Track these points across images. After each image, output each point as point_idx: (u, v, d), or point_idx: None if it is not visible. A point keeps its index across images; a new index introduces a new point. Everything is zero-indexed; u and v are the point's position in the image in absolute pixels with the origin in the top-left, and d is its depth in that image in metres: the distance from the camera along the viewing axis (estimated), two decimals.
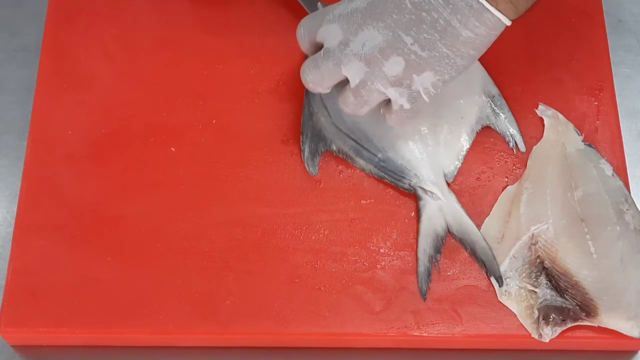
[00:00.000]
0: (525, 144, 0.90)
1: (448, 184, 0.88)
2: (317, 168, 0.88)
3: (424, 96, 0.80)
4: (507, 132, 0.90)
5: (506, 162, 0.90)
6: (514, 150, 0.90)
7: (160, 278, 0.84)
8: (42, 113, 0.90)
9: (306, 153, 0.88)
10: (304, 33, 0.84)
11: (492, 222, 0.87)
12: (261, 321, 0.83)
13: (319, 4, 0.91)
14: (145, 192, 0.87)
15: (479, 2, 0.77)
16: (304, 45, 0.85)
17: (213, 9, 0.95)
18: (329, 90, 0.84)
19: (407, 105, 0.81)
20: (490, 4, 0.77)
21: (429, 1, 0.77)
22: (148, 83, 0.92)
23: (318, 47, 0.83)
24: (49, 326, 0.83)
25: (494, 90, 0.91)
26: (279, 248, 0.86)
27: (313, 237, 0.86)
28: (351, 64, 0.80)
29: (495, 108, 0.90)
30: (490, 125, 0.90)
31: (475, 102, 0.90)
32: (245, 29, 0.94)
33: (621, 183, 0.88)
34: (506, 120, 0.90)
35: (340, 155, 0.88)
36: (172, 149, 0.89)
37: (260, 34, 0.94)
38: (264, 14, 0.94)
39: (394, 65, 0.79)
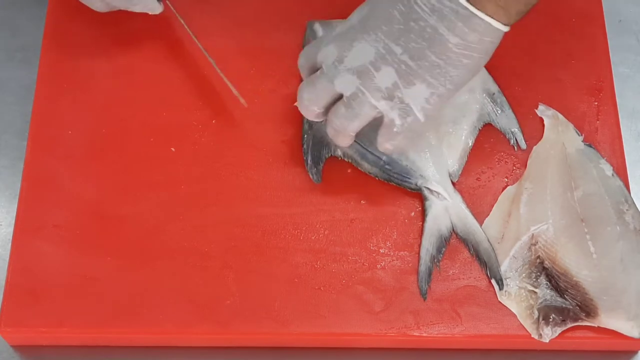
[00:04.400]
0: (525, 143, 0.90)
1: (453, 184, 0.88)
2: (320, 176, 0.88)
3: (417, 113, 0.79)
4: (508, 129, 0.90)
5: (506, 162, 0.90)
6: (515, 147, 0.90)
7: (160, 278, 0.84)
8: (42, 113, 0.90)
9: (309, 162, 0.88)
10: (304, 62, 0.83)
11: (492, 222, 0.87)
12: (261, 321, 0.83)
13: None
14: (145, 192, 0.87)
15: (465, 8, 0.76)
16: (305, 74, 0.84)
17: (213, 9, 0.95)
18: (322, 110, 0.83)
19: (398, 121, 0.80)
20: (477, 9, 0.76)
21: (416, 10, 0.77)
22: (148, 83, 0.92)
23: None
24: (49, 326, 0.83)
25: (494, 88, 0.91)
26: (279, 248, 0.86)
27: (313, 237, 0.86)
28: (343, 78, 0.80)
29: (495, 105, 0.91)
30: (492, 122, 0.90)
31: (476, 99, 0.90)
32: (245, 29, 0.94)
33: (621, 183, 0.88)
34: (507, 117, 0.91)
35: (346, 160, 0.88)
36: (172, 149, 0.89)
37: (260, 34, 0.94)
38: (264, 13, 0.94)
39: (385, 76, 0.78)
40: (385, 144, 0.82)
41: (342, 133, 0.82)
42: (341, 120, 0.81)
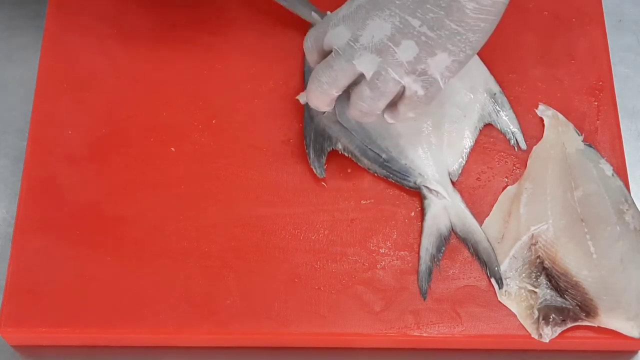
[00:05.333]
0: (526, 143, 0.90)
1: (452, 183, 0.88)
2: (324, 169, 0.88)
3: (440, 82, 0.79)
4: (509, 130, 0.90)
5: (506, 162, 0.90)
6: (515, 148, 0.90)
7: (160, 278, 0.84)
8: (42, 113, 0.90)
9: (311, 155, 0.88)
10: (311, 45, 0.82)
11: (492, 222, 0.87)
12: (261, 321, 0.83)
13: (313, 14, 0.90)
14: (145, 192, 0.87)
15: None
16: (313, 57, 0.83)
17: (213, 9, 0.95)
18: (339, 94, 0.82)
19: (421, 92, 0.79)
20: None
21: None
22: (148, 83, 0.92)
23: (327, 56, 0.82)
24: (49, 326, 0.83)
25: (496, 88, 0.91)
26: (279, 248, 0.86)
27: (313, 237, 0.86)
28: (363, 57, 0.79)
29: (496, 106, 0.91)
30: (492, 122, 0.90)
31: (477, 99, 0.90)
32: (245, 29, 0.94)
33: (621, 183, 0.88)
34: (507, 118, 0.90)
35: (346, 154, 0.88)
36: (172, 149, 0.89)
37: (260, 34, 0.94)
38: (264, 13, 0.94)
39: (407, 50, 0.78)
40: (409, 113, 0.82)
41: (370, 114, 0.82)
42: (368, 102, 0.80)
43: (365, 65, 0.79)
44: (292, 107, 0.90)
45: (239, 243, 0.86)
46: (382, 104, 0.81)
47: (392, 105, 0.82)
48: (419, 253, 0.85)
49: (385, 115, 0.83)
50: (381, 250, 0.86)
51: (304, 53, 0.86)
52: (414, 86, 0.79)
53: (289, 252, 0.85)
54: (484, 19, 0.77)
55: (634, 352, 0.86)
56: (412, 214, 0.87)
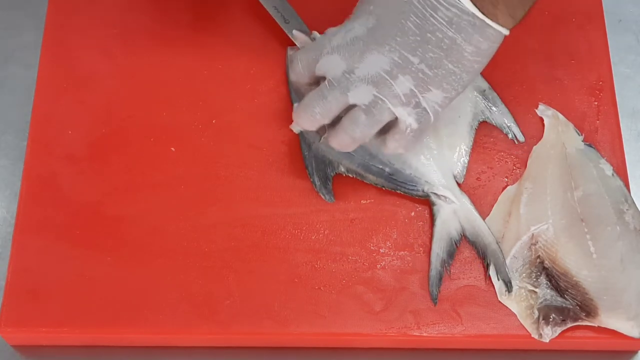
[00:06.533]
0: (523, 136, 0.90)
1: (459, 185, 0.88)
2: (332, 195, 0.87)
3: (431, 115, 0.80)
4: (504, 124, 0.90)
5: (506, 162, 0.90)
6: (515, 141, 0.90)
7: (160, 278, 0.84)
8: (42, 113, 0.90)
9: (317, 183, 0.87)
10: (302, 69, 0.83)
11: (492, 222, 0.87)
12: (261, 321, 0.83)
13: (294, 31, 0.91)
14: (145, 192, 0.87)
15: (481, 20, 0.77)
16: (303, 80, 0.84)
17: (213, 9, 0.95)
18: (330, 122, 0.82)
19: (415, 125, 0.81)
20: (492, 20, 0.78)
21: (432, 22, 0.78)
22: (148, 83, 0.92)
23: (317, 81, 0.83)
24: (49, 326, 0.83)
25: (484, 85, 0.91)
26: (279, 248, 0.86)
27: (313, 237, 0.86)
28: (358, 89, 0.80)
29: (488, 102, 0.91)
30: (486, 119, 0.90)
31: (468, 98, 0.90)
32: (245, 29, 0.94)
33: (621, 183, 0.88)
34: (500, 112, 0.91)
35: (351, 175, 0.88)
36: (172, 149, 0.89)
37: (260, 34, 0.94)
38: (264, 14, 0.94)
39: (403, 84, 0.79)
40: (400, 149, 0.83)
41: (357, 142, 0.82)
42: (362, 128, 0.81)
43: (361, 96, 0.80)
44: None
45: (238, 243, 0.86)
46: (374, 131, 0.81)
47: (381, 139, 0.83)
48: (429, 258, 0.85)
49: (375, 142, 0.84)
50: (381, 250, 0.86)
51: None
52: (408, 119, 0.80)
53: (289, 252, 0.85)
54: (479, 61, 0.80)
55: (634, 352, 0.86)
56: (412, 214, 0.87)
